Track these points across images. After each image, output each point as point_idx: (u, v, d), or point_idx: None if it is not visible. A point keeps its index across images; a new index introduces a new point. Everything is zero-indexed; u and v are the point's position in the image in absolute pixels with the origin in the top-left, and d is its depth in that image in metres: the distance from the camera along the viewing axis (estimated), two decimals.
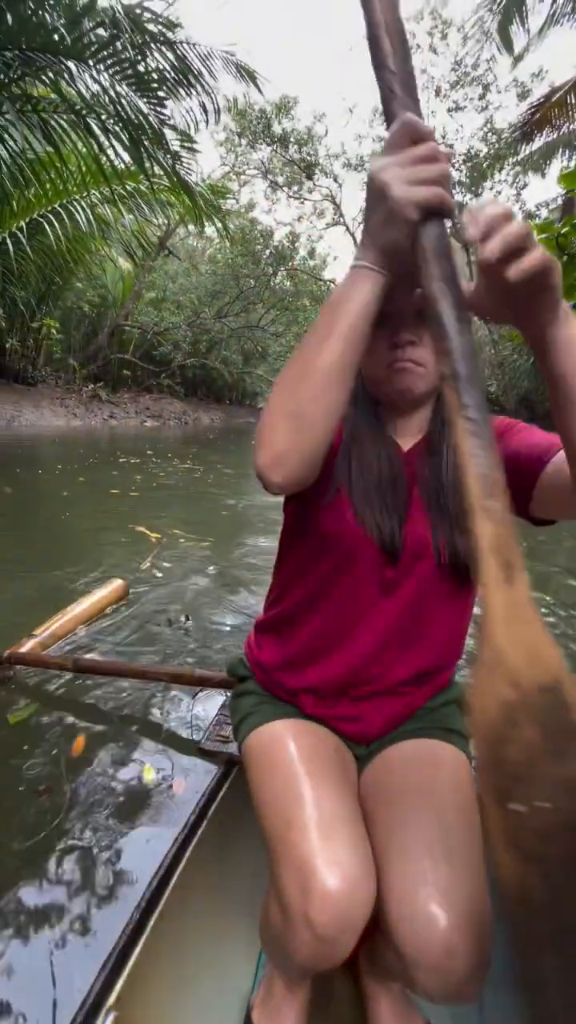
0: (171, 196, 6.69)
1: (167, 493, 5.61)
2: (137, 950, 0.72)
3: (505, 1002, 0.81)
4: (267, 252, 14.99)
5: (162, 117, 4.33)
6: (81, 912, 1.01)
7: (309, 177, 13.38)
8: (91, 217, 6.84)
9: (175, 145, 4.76)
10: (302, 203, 14.50)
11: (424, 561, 0.72)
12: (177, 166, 4.97)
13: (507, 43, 9.11)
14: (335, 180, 13.58)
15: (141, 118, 4.22)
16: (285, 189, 14.29)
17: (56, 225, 6.79)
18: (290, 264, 15.06)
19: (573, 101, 9.82)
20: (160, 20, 4.75)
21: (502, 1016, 0.82)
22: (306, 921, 0.57)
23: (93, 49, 3.87)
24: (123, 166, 4.95)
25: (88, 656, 1.88)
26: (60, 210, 6.80)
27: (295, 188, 14.14)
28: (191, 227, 6.41)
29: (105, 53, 3.91)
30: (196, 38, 5.24)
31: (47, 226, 6.78)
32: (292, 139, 12.37)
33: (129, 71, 4.04)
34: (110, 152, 4.78)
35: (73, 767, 1.39)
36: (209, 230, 6.35)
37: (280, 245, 14.89)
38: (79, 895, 1.04)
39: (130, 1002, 0.68)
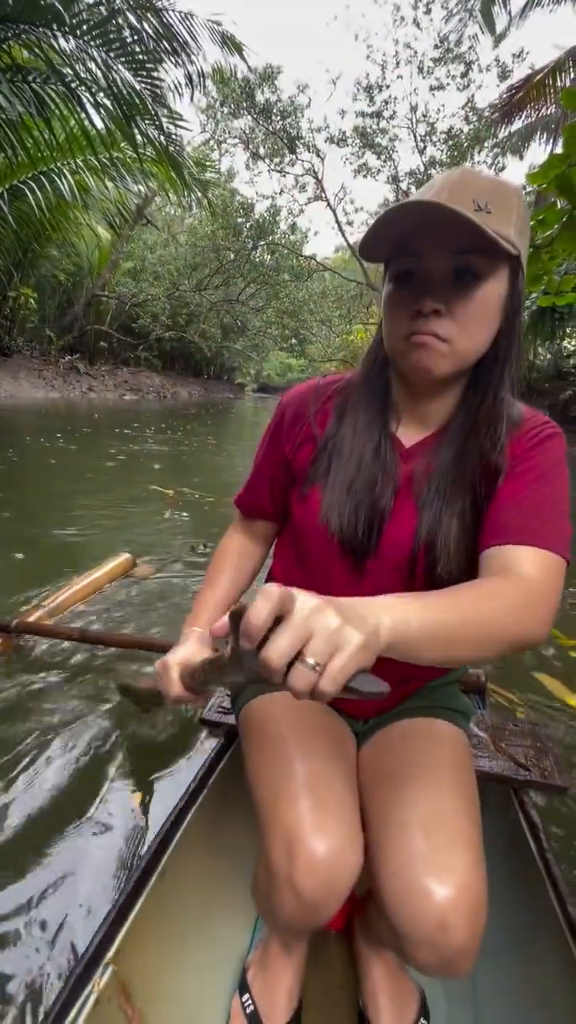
0: (154, 166, 6.68)
1: (165, 461, 5.99)
2: (136, 908, 0.73)
3: (498, 972, 0.84)
4: (248, 225, 14.83)
5: (155, 93, 4.39)
6: (83, 871, 1.05)
7: (292, 150, 13.24)
8: (72, 184, 6.77)
9: (166, 122, 4.81)
10: (284, 176, 14.35)
11: (400, 563, 0.69)
12: (169, 146, 5.02)
13: (489, 23, 9.21)
14: (317, 155, 13.47)
15: (133, 94, 4.27)
16: (267, 161, 14.10)
17: (37, 192, 6.71)
18: (270, 238, 14.95)
19: (552, 83, 9.98)
20: None
21: (495, 985, 0.83)
22: (291, 885, 0.58)
23: (82, 19, 3.89)
24: (107, 134, 4.96)
25: (95, 627, 1.93)
26: (42, 177, 6.71)
27: (277, 160, 13.97)
28: (171, 196, 6.41)
29: (92, 22, 3.93)
30: (182, 5, 5.24)
31: (27, 192, 6.70)
32: (275, 110, 12.20)
33: (116, 42, 4.06)
34: (97, 122, 4.79)
35: (78, 733, 1.42)
36: (183, 194, 6.36)
37: (261, 218, 14.74)
38: (81, 856, 1.08)
39: (128, 957, 0.69)
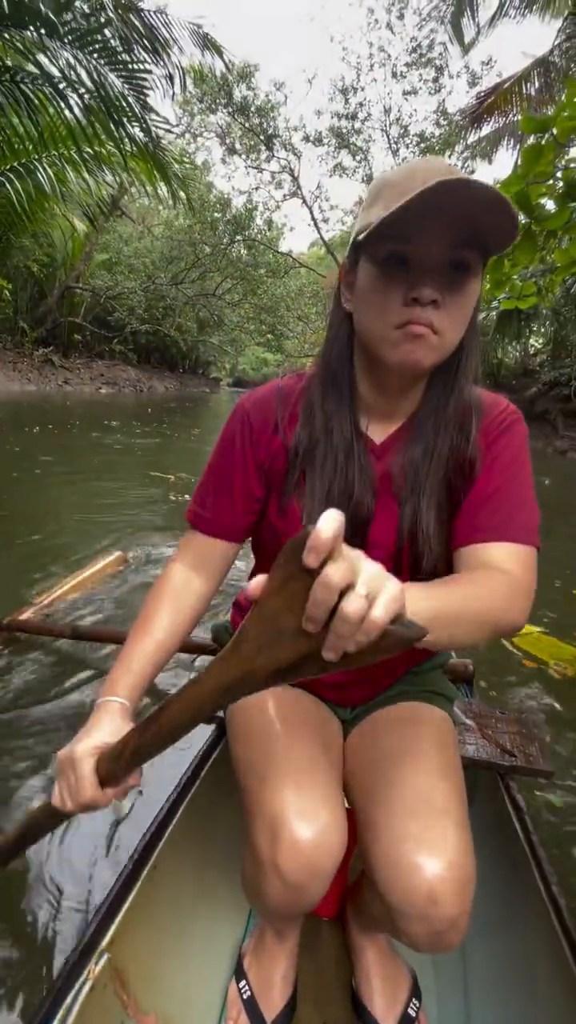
0: (134, 162, 6.76)
1: (157, 450, 6.39)
2: (131, 898, 0.73)
3: (486, 951, 0.86)
4: (224, 220, 14.87)
5: (141, 98, 4.51)
6: (77, 862, 1.06)
7: (268, 147, 13.36)
8: (51, 176, 6.79)
9: (152, 126, 4.94)
10: (260, 172, 14.45)
11: (384, 561, 0.64)
12: (157, 151, 5.15)
13: (458, 34, 9.56)
14: (294, 153, 13.63)
15: (120, 98, 4.40)
16: (243, 157, 14.18)
17: (16, 182, 6.72)
18: (246, 233, 15.03)
19: (519, 91, 10.42)
20: None
21: (484, 965, 0.85)
22: (275, 869, 0.59)
23: (72, 26, 4.00)
24: (92, 132, 5.05)
25: (86, 623, 1.94)
26: (19, 168, 6.71)
27: (253, 157, 14.06)
28: (150, 190, 6.49)
29: (82, 30, 4.04)
30: (164, 5, 5.37)
31: (6, 183, 6.70)
32: (252, 107, 12.29)
33: (105, 50, 4.19)
34: (83, 120, 4.88)
35: (70, 727, 1.42)
36: (163, 191, 6.46)
37: (238, 213, 14.81)
38: (75, 848, 1.09)
39: (123, 945, 0.70)
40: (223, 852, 0.94)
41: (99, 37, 4.06)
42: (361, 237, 0.58)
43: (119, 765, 0.53)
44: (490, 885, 0.88)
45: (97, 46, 3.97)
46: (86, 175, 7.02)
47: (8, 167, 6.64)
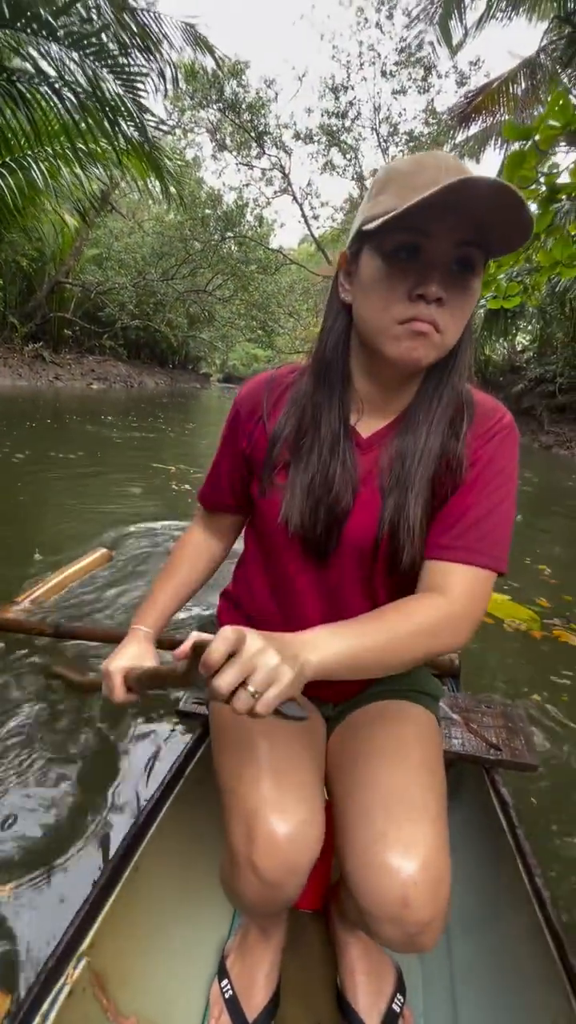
0: (128, 160, 6.81)
1: (155, 443, 6.64)
2: (111, 899, 0.72)
3: (472, 944, 0.86)
4: (215, 216, 14.91)
5: (137, 99, 4.59)
6: (57, 865, 1.04)
7: (259, 144, 13.43)
8: (45, 172, 6.82)
9: (149, 127, 5.02)
10: (251, 169, 14.51)
11: (363, 554, 0.69)
12: (152, 151, 5.23)
13: (447, 36, 9.68)
14: (284, 150, 13.71)
15: (118, 100, 4.47)
16: (234, 153, 14.22)
17: (8, 178, 6.72)
18: (237, 229, 15.09)
19: (506, 91, 10.57)
20: None
21: (469, 958, 0.85)
22: (251, 866, 0.59)
23: (71, 29, 4.08)
24: (87, 130, 5.12)
25: (69, 620, 1.89)
26: (12, 163, 6.72)
27: (244, 153, 14.12)
28: (140, 184, 6.55)
29: (80, 33, 4.12)
30: (158, 6, 5.45)
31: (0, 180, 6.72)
32: (243, 104, 12.36)
33: (104, 54, 4.26)
34: (75, 114, 4.94)
35: (52, 725, 1.42)
36: (155, 187, 6.54)
37: (229, 210, 14.85)
38: (54, 849, 1.07)
39: (102, 948, 0.69)
40: (207, 851, 0.91)
41: (95, 40, 4.14)
42: (371, 227, 0.56)
43: (140, 685, 0.69)
44: (476, 879, 0.89)
45: (94, 49, 4.06)
46: (78, 171, 7.05)
47: (1, 163, 6.65)
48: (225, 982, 0.78)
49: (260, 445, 0.73)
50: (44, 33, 3.90)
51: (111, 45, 4.47)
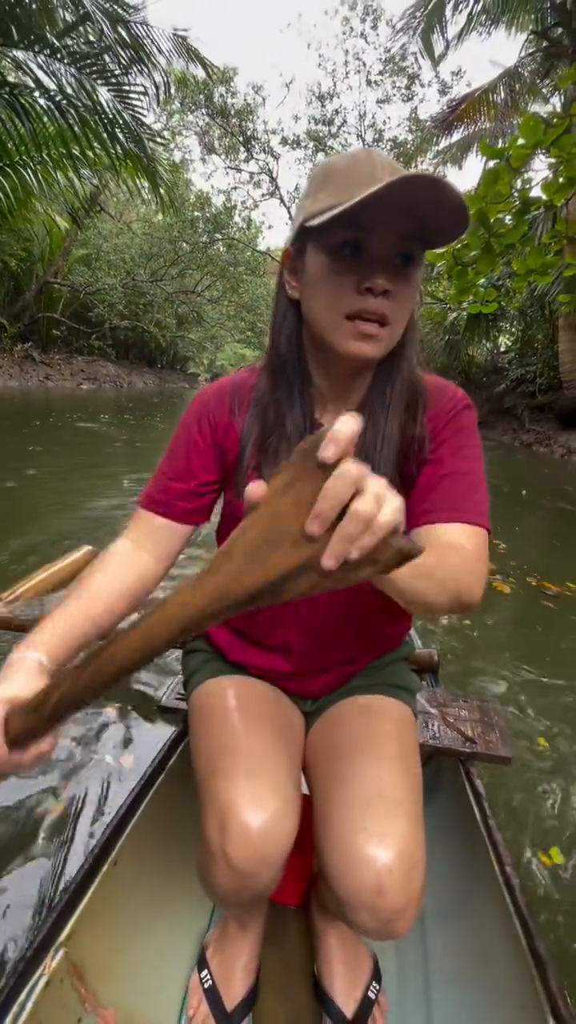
0: (122, 166, 7.00)
1: (160, 442, 6.70)
2: (89, 893, 0.73)
3: (445, 932, 0.88)
4: (204, 218, 15.11)
5: (139, 116, 4.79)
6: (36, 859, 1.04)
7: (247, 149, 13.68)
8: (39, 176, 6.97)
9: (146, 139, 5.22)
10: (239, 172, 14.75)
11: None
12: (149, 164, 5.44)
13: (429, 49, 10.02)
14: (272, 155, 13.97)
15: (116, 114, 4.67)
16: (222, 157, 14.44)
17: (4, 182, 6.87)
18: (225, 231, 15.31)
19: (487, 100, 10.95)
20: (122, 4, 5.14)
21: (443, 945, 0.87)
22: (224, 857, 0.59)
23: (72, 49, 4.28)
24: (84, 139, 5.30)
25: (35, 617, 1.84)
26: (7, 168, 6.86)
27: (232, 157, 14.35)
28: (128, 185, 6.76)
29: (81, 53, 4.32)
30: (149, 14, 5.66)
31: None
32: (232, 110, 12.60)
33: (107, 74, 4.47)
34: (75, 126, 5.12)
35: None
36: (145, 191, 6.77)
37: (217, 212, 15.06)
38: (33, 844, 1.07)
39: (81, 940, 0.69)
40: (187, 845, 0.92)
41: (97, 61, 4.35)
42: (315, 223, 0.57)
43: (37, 718, 0.46)
44: (450, 869, 0.91)
45: (96, 68, 4.26)
46: (71, 175, 7.22)
47: None
48: (204, 972, 0.79)
49: (232, 448, 0.72)
50: (48, 52, 4.10)
51: (112, 66, 4.67)
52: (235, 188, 15.39)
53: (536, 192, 2.80)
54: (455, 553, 0.59)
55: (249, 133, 13.22)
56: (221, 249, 16.16)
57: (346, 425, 0.34)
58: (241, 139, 13.40)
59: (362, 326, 0.58)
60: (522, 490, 5.65)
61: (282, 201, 15.02)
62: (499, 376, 12.62)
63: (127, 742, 1.40)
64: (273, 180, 14.56)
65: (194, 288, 18.28)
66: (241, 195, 15.46)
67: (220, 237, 15.41)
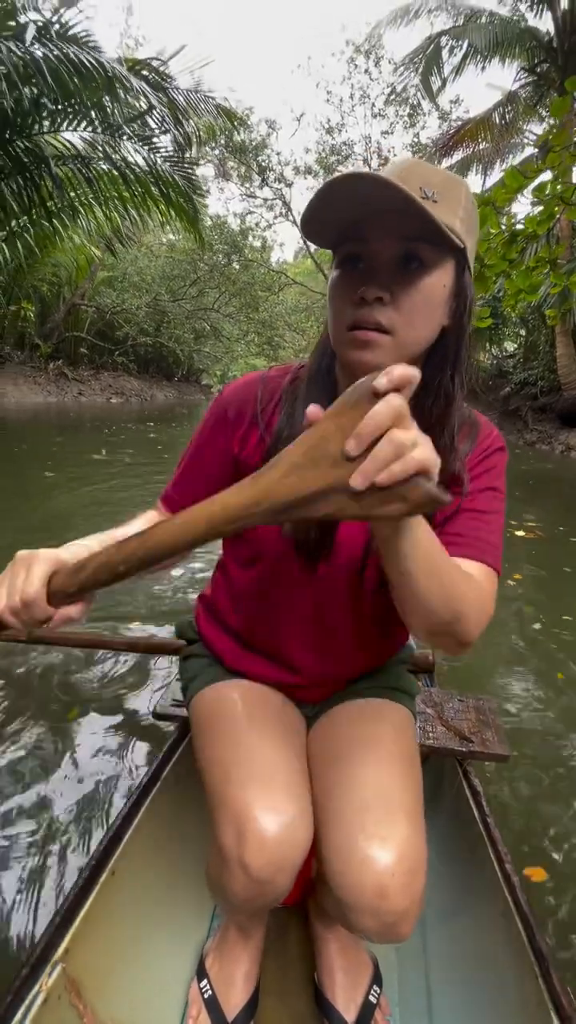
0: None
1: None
2: (87, 905, 0.72)
3: (445, 932, 0.88)
4: (220, 240, 16.19)
5: (192, 181, 5.82)
6: (31, 872, 1.03)
7: (262, 177, 14.79)
8: (88, 216, 7.99)
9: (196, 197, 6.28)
10: (254, 199, 15.88)
11: (353, 562, 0.70)
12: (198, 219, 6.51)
13: (428, 91, 11.09)
14: (285, 184, 15.05)
15: (173, 180, 5.71)
16: (238, 184, 15.56)
17: (55, 221, 7.88)
18: (241, 254, 16.41)
19: (487, 122, 11.84)
20: (161, 73, 6.15)
21: (443, 945, 0.87)
22: (241, 865, 0.59)
23: (137, 131, 5.31)
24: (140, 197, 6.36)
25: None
26: (62, 214, 7.88)
27: (247, 185, 15.48)
28: (162, 219, 7.88)
29: (145, 135, 5.36)
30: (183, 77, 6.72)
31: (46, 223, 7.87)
32: (250, 148, 13.77)
33: (168, 152, 5.52)
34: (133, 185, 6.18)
35: (29, 732, 1.38)
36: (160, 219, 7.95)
37: (232, 233, 16.14)
38: (29, 856, 1.05)
39: (78, 955, 0.68)
40: (186, 853, 0.91)
41: (158, 141, 5.39)
42: (305, 236, 0.59)
43: (77, 579, 0.49)
44: (449, 868, 0.91)
45: (158, 148, 5.29)
46: (115, 214, 8.22)
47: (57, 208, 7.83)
48: (204, 982, 0.78)
49: (253, 446, 0.72)
50: (117, 134, 5.13)
51: (171, 147, 5.73)
52: (249, 213, 16.43)
53: (522, 221, 3.55)
54: (471, 584, 0.59)
55: (264, 164, 14.33)
56: (236, 267, 17.16)
57: (403, 367, 0.38)
58: (256, 169, 14.50)
59: (358, 334, 0.57)
60: (529, 480, 6.40)
61: (295, 223, 16.04)
62: (504, 379, 13.30)
63: (122, 750, 1.38)
64: (286, 204, 15.62)
65: (212, 305, 19.32)
66: (255, 218, 16.50)
67: (237, 258, 16.44)
